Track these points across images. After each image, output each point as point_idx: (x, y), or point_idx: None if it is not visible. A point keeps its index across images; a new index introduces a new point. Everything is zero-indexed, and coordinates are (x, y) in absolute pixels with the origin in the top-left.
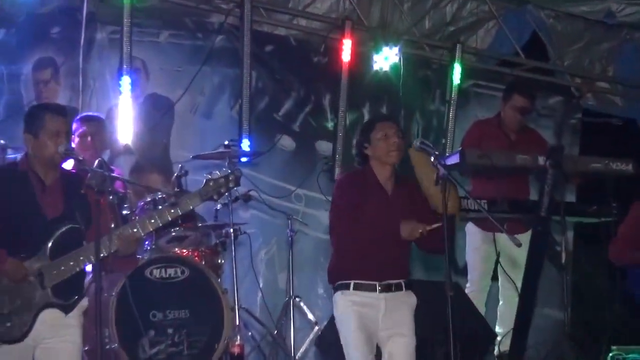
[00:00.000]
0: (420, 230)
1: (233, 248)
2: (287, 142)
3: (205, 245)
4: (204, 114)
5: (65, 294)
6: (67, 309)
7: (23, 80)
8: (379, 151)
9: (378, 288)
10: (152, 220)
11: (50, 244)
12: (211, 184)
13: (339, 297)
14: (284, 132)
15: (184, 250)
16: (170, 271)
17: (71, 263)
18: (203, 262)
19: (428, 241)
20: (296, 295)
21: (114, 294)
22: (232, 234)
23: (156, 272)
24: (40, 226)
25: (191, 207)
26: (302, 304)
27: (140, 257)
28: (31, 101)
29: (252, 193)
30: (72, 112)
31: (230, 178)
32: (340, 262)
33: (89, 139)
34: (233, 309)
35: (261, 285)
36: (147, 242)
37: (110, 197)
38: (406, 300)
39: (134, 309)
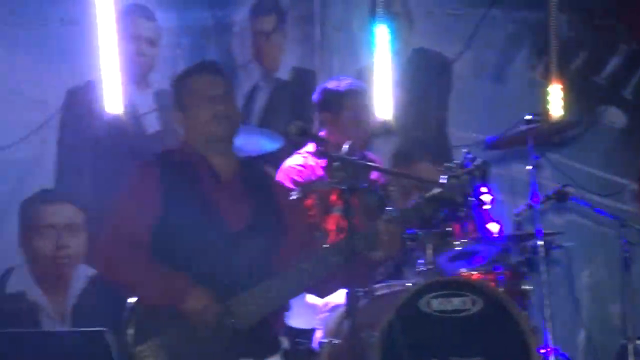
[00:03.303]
0: None
1: (544, 268)
2: (614, 117)
3: (505, 265)
4: (494, 76)
5: (258, 346)
6: None
7: (236, 32)
8: None
9: None
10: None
11: (237, 268)
12: (453, 181)
13: None
14: (609, 102)
15: (474, 273)
16: (456, 302)
17: (261, 301)
18: (502, 289)
19: None
20: (638, 336)
21: (375, 333)
22: (543, 249)
23: (435, 303)
24: (220, 241)
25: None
26: None
27: (407, 282)
28: (247, 61)
29: (568, 190)
30: (306, 76)
31: (476, 174)
32: None
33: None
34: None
35: (585, 321)
36: (420, 261)
37: (370, 196)
38: None
39: (405, 355)
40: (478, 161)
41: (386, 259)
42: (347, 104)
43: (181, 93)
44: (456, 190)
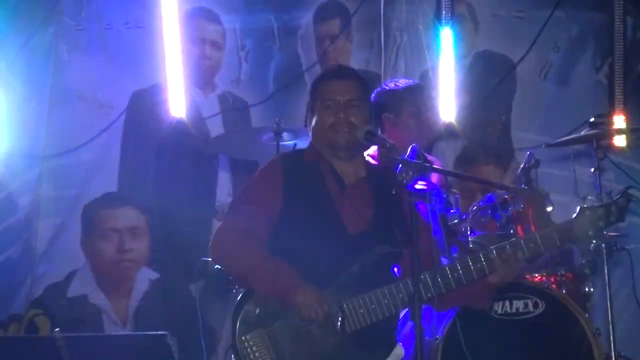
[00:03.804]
0: None
1: (606, 270)
2: None
3: (566, 267)
4: (558, 78)
5: (370, 348)
6: None
7: (301, 35)
8: None
9: None
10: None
11: (353, 271)
12: (587, 213)
13: None
14: None
15: (536, 275)
16: (518, 304)
17: (373, 306)
18: (564, 291)
19: None
20: None
21: (438, 336)
22: (605, 251)
23: (497, 306)
24: (336, 243)
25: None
26: None
27: None
28: (312, 65)
29: (632, 192)
30: (371, 79)
31: (612, 209)
32: None
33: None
34: (609, 359)
35: None
36: None
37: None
38: None
39: (467, 357)
40: (615, 195)
41: (503, 284)
42: (407, 100)
43: (312, 96)
44: (591, 224)
